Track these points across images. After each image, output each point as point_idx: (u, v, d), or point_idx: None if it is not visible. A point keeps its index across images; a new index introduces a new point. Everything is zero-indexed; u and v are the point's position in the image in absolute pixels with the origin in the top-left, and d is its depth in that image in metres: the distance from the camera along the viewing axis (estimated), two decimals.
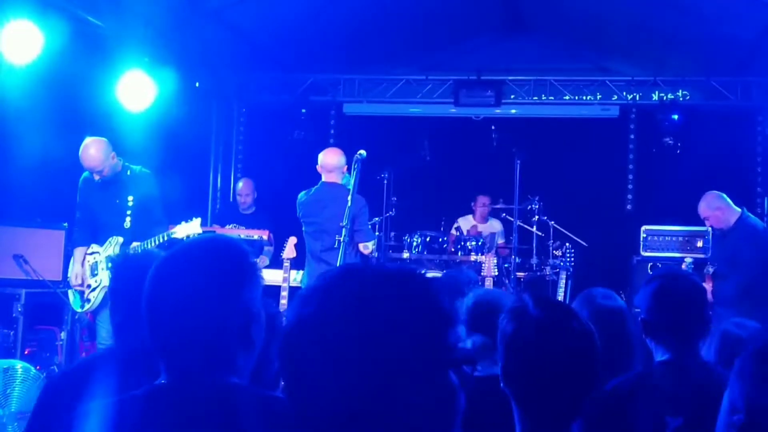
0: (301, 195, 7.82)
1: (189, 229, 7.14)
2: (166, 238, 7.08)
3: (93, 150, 7.13)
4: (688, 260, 8.05)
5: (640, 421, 3.03)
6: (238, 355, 2.09)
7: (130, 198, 7.29)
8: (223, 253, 2.15)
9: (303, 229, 7.83)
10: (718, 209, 7.71)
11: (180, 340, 2.05)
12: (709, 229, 9.11)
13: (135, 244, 7.17)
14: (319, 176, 7.79)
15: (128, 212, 7.28)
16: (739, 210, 7.77)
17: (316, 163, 7.89)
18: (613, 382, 3.25)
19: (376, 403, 1.40)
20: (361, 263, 1.58)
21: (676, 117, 10.61)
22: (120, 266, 3.36)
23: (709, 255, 8.82)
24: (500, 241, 10.34)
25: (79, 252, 7.44)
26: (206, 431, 1.97)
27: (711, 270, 7.55)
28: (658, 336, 3.27)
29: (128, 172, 7.38)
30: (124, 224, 7.28)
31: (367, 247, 7.69)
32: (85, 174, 7.42)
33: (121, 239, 7.24)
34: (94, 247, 7.40)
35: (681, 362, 3.16)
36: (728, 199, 7.77)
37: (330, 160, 7.74)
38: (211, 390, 2.02)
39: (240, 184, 10.59)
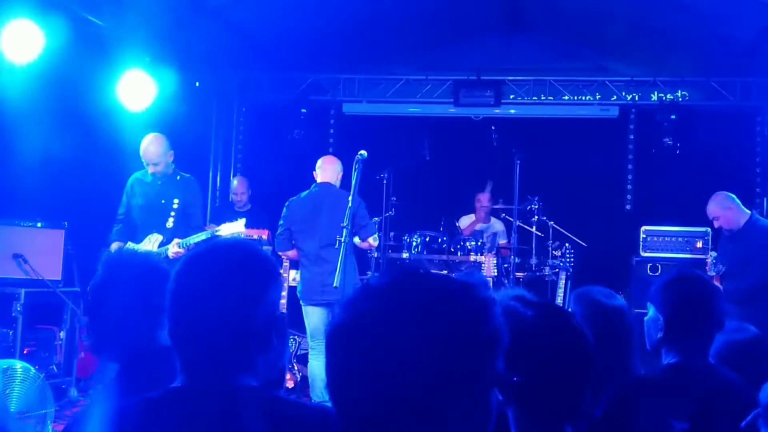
0: (293, 199, 7.98)
1: (233, 228, 7.24)
2: (210, 236, 7.17)
3: (153, 145, 7.50)
4: (713, 254, 7.95)
5: (646, 424, 3.02)
6: (258, 357, 2.09)
7: (176, 201, 7.53)
8: (248, 256, 2.16)
9: (292, 228, 7.87)
10: (729, 210, 7.67)
11: (202, 340, 2.04)
12: (708, 230, 9.12)
13: (176, 240, 7.24)
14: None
15: (172, 213, 7.50)
16: (749, 211, 7.74)
17: (316, 162, 7.99)
18: (620, 385, 3.24)
19: (415, 411, 1.41)
20: (422, 269, 1.56)
21: (675, 117, 10.60)
22: (114, 263, 3.25)
23: (707, 255, 8.79)
24: (502, 241, 10.34)
25: (115, 246, 7.55)
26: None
27: (722, 269, 7.50)
28: (671, 339, 3.25)
29: (178, 177, 7.68)
30: (167, 224, 7.48)
31: (377, 239, 7.96)
32: (136, 174, 7.69)
33: (161, 237, 7.38)
34: (131, 245, 7.50)
35: (689, 365, 3.15)
36: (737, 200, 7.75)
37: (329, 164, 7.98)
38: (228, 393, 2.02)
39: (234, 183, 10.62)
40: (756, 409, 2.74)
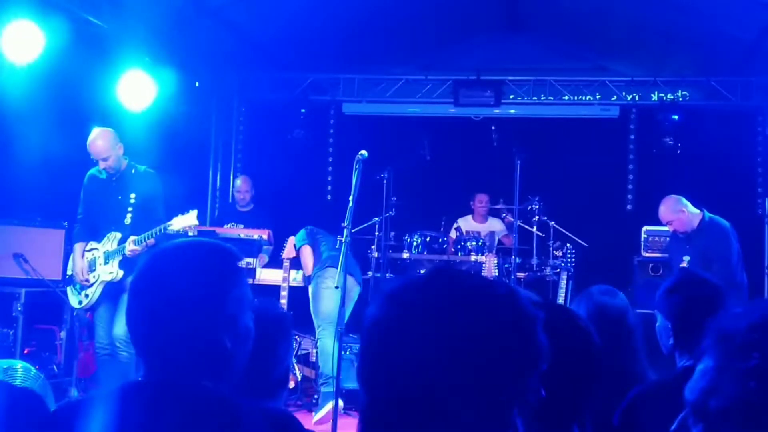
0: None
1: (185, 221, 7.13)
2: (162, 231, 7.08)
3: (100, 140, 7.25)
4: (687, 258, 7.93)
5: (662, 429, 3.01)
6: (213, 359, 2.09)
7: (133, 195, 7.36)
8: (205, 256, 2.17)
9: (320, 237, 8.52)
10: (681, 212, 7.67)
11: (158, 339, 2.07)
12: None
13: (132, 237, 7.17)
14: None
15: (129, 209, 7.34)
16: (699, 211, 7.75)
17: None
18: (635, 390, 3.24)
19: (440, 410, 1.42)
20: (466, 273, 1.56)
21: (676, 117, 10.60)
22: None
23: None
24: (505, 238, 10.37)
25: (79, 247, 7.48)
26: (170, 430, 1.99)
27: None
28: (682, 344, 3.27)
29: (133, 170, 7.46)
30: (125, 220, 7.33)
31: None
32: (92, 171, 7.50)
33: (119, 235, 7.27)
34: (93, 244, 7.43)
35: None
36: (687, 202, 7.75)
37: None
38: (181, 392, 2.04)
39: (238, 181, 10.60)
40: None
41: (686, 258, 7.54)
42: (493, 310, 1.47)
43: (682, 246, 7.86)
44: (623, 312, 3.68)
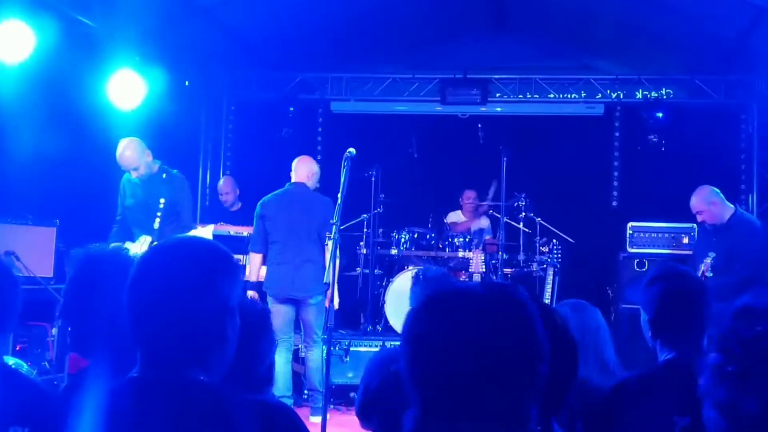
0: (266, 198, 8.07)
1: (202, 233, 7.27)
2: None
3: (128, 150, 7.49)
4: (712, 255, 7.64)
5: (647, 420, 3.03)
6: (210, 351, 2.16)
7: (162, 200, 7.52)
8: (199, 251, 2.23)
9: (266, 225, 7.98)
10: (713, 204, 7.57)
11: (156, 333, 2.12)
12: (694, 225, 9.10)
13: (155, 243, 7.25)
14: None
15: (158, 213, 7.50)
16: (732, 206, 7.63)
17: None
18: (617, 382, 3.28)
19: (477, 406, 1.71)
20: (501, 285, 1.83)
21: (660, 115, 10.68)
22: (85, 262, 3.21)
23: (693, 251, 8.72)
24: (487, 237, 10.42)
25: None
26: (167, 425, 2.03)
27: (710, 265, 7.26)
28: (664, 336, 3.28)
29: (164, 175, 7.68)
30: (153, 224, 7.43)
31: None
32: (127, 175, 7.71)
33: (149, 238, 7.38)
34: (128, 244, 7.52)
35: (687, 360, 3.10)
36: (721, 195, 7.66)
37: (301, 163, 8.22)
38: (178, 385, 2.09)
39: (220, 183, 10.65)
40: None
41: (711, 254, 7.31)
42: (522, 322, 1.74)
43: (709, 240, 7.72)
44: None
